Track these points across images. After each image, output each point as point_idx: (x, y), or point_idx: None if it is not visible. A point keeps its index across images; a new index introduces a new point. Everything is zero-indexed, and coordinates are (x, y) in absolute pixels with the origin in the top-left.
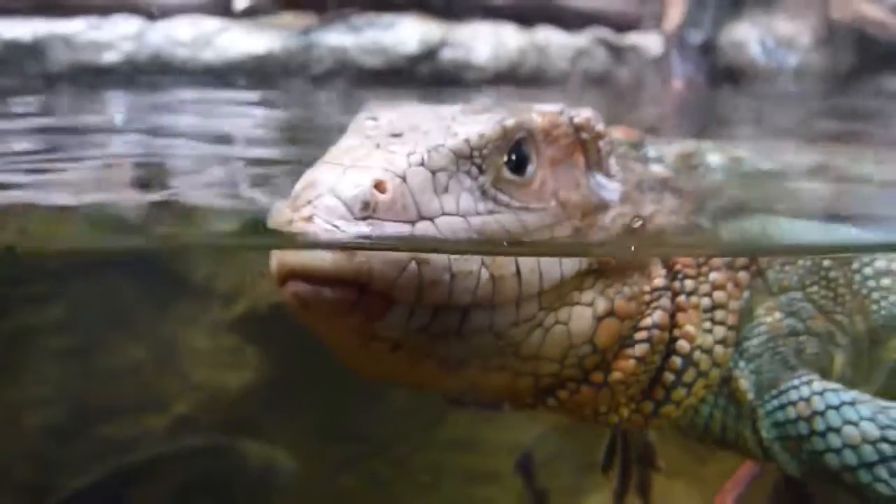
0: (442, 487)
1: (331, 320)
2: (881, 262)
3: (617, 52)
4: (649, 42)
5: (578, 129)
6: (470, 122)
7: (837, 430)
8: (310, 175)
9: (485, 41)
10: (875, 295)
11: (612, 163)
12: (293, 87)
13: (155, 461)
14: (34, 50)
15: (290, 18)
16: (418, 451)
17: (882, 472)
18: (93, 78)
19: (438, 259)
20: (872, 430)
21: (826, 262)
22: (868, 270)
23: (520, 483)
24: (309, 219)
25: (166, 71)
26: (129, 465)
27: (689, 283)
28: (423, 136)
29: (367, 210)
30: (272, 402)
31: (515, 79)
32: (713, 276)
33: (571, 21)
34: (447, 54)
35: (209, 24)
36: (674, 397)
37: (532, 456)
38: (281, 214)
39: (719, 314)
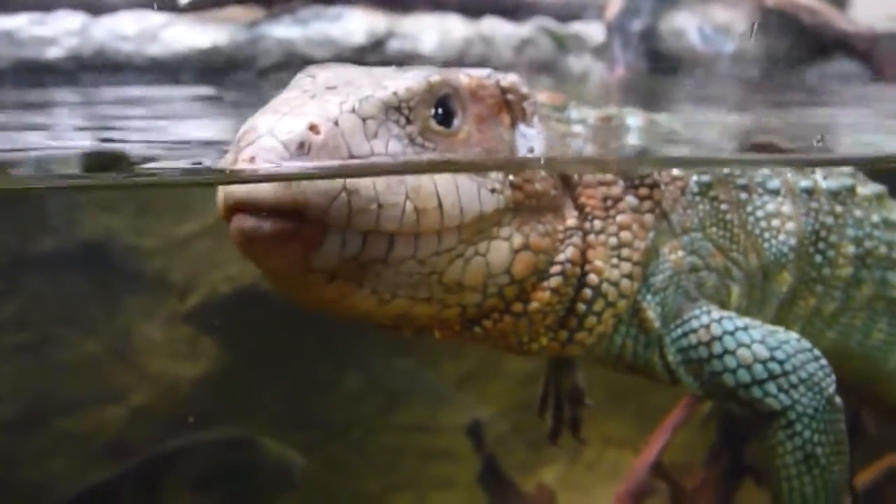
0: (400, 468)
1: (272, 252)
2: (771, 205)
3: (560, 40)
4: (592, 31)
5: (504, 90)
6: (399, 78)
7: (733, 353)
8: (251, 121)
9: (431, 32)
10: (766, 234)
11: (536, 121)
12: (241, 80)
13: (178, 453)
14: None
15: (236, 12)
16: (375, 435)
17: (771, 387)
18: (36, 74)
19: (367, 190)
20: (763, 352)
21: (723, 206)
22: (760, 213)
23: (477, 461)
24: (250, 160)
25: (111, 66)
26: (153, 456)
27: (597, 224)
28: (355, 89)
29: (302, 150)
30: (229, 391)
31: (462, 68)
32: (619, 218)
33: (516, 12)
34: (394, 45)
35: (154, 19)
36: (586, 325)
37: (482, 423)
38: (224, 158)
39: (625, 252)
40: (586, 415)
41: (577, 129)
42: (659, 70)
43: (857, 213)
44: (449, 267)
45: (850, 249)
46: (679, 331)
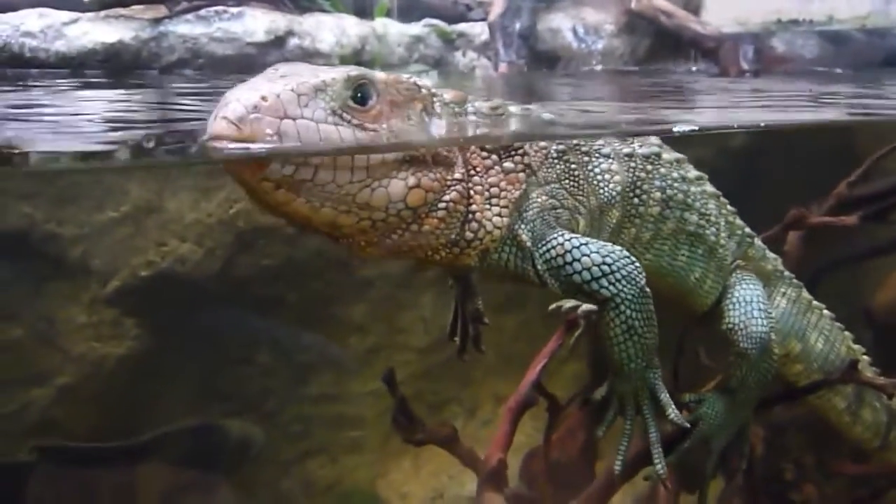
0: (313, 435)
1: (237, 168)
2: (604, 164)
3: (448, 39)
4: (476, 30)
5: (417, 86)
6: (330, 72)
7: (578, 260)
8: (227, 94)
9: (328, 30)
10: (601, 185)
11: (439, 111)
12: (145, 76)
13: (157, 439)
14: None
15: (140, 10)
16: (287, 406)
17: (604, 282)
18: None
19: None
20: (598, 258)
21: (573, 166)
22: (597, 170)
23: (384, 425)
24: (224, 118)
25: (15, 62)
26: (134, 443)
27: (476, 179)
28: (298, 77)
29: (256, 111)
30: (151, 369)
31: (359, 64)
32: (492, 178)
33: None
34: (294, 42)
35: (59, 16)
36: (472, 244)
37: (394, 370)
38: (210, 119)
39: (495, 200)
40: (484, 331)
41: (472, 118)
42: (537, 65)
43: (662, 170)
44: (360, 192)
45: (657, 195)
46: (544, 248)
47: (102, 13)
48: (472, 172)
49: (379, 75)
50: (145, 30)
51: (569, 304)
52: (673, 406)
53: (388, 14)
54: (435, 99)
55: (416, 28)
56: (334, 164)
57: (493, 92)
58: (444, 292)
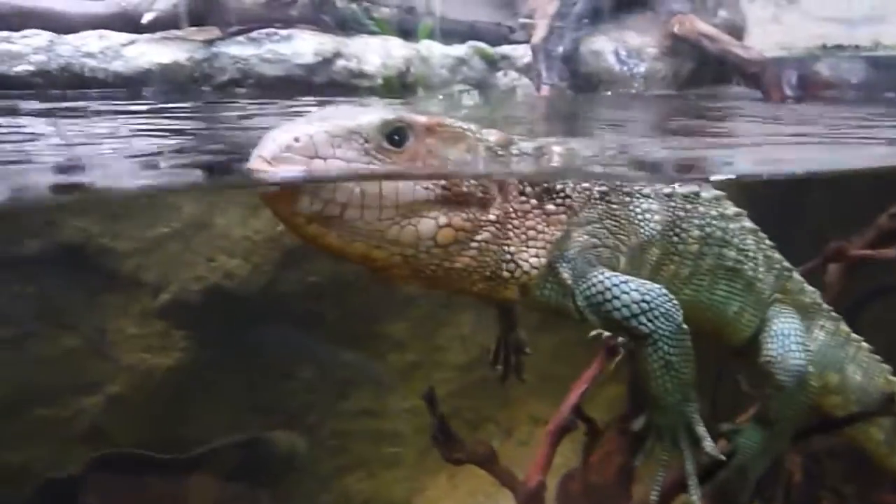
0: (351, 450)
1: (272, 201)
2: (645, 204)
3: (491, 61)
4: (519, 53)
5: (461, 129)
6: (368, 115)
7: (618, 297)
8: (267, 134)
9: (374, 52)
10: (642, 222)
11: (483, 152)
12: (198, 95)
13: (208, 453)
14: None
15: (194, 32)
16: (327, 421)
17: (643, 318)
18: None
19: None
20: (637, 296)
21: (614, 206)
22: (637, 209)
23: (421, 442)
24: (260, 156)
25: (75, 82)
26: (188, 456)
27: (510, 225)
28: (335, 120)
29: (288, 150)
30: (197, 381)
31: (402, 86)
32: (529, 221)
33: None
34: (341, 64)
35: (118, 37)
36: (509, 282)
37: (434, 390)
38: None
39: (532, 242)
40: (525, 361)
41: (516, 160)
42: (580, 88)
43: (701, 209)
44: (389, 229)
45: (696, 233)
46: (584, 285)
47: (159, 34)
48: (510, 215)
49: (418, 118)
50: (199, 51)
51: (608, 332)
52: (709, 439)
53: (430, 35)
54: (479, 141)
55: (460, 50)
56: (362, 203)
57: (534, 113)
58: (483, 311)
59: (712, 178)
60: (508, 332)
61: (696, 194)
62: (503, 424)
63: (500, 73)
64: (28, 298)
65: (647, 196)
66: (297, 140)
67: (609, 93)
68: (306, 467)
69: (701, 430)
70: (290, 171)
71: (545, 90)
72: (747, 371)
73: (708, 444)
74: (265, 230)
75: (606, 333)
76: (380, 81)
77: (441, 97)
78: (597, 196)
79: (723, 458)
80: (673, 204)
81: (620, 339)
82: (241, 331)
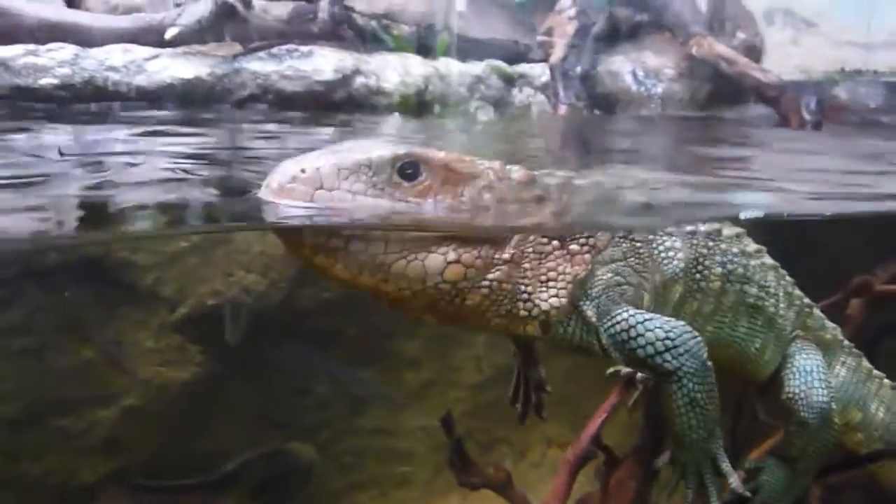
0: (364, 467)
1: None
2: (668, 242)
3: (509, 79)
4: (536, 72)
5: (479, 165)
6: (381, 149)
7: (643, 335)
8: (278, 166)
9: (393, 70)
10: (665, 261)
11: (503, 190)
12: (218, 111)
13: (240, 467)
14: None
15: (215, 47)
16: (341, 438)
17: (667, 356)
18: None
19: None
20: (661, 333)
21: (638, 244)
22: (661, 248)
23: (433, 461)
24: (267, 185)
25: (98, 95)
26: (222, 473)
27: (527, 265)
28: (349, 153)
29: (293, 182)
30: (212, 395)
31: (420, 103)
32: (549, 262)
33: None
34: (360, 81)
35: (142, 52)
36: (526, 321)
37: (451, 413)
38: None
39: (552, 283)
40: (545, 399)
41: (537, 198)
42: (596, 107)
43: (723, 246)
44: (395, 263)
45: (718, 270)
46: (608, 323)
47: (181, 49)
48: (527, 255)
49: (433, 154)
50: (220, 66)
51: (627, 369)
52: (735, 476)
53: (447, 51)
54: (500, 178)
55: (478, 68)
56: (367, 235)
57: (550, 133)
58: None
59: (741, 216)
60: (528, 368)
61: (718, 232)
62: (516, 446)
63: (515, 90)
64: (48, 310)
65: (669, 234)
66: (303, 171)
67: (626, 113)
68: (319, 483)
69: (726, 466)
70: (294, 202)
71: (562, 109)
72: (765, 403)
73: (734, 481)
74: (282, 246)
75: (626, 370)
76: (398, 99)
77: (456, 115)
78: (621, 235)
79: (748, 495)
80: (695, 242)
81: (640, 375)
82: (256, 346)
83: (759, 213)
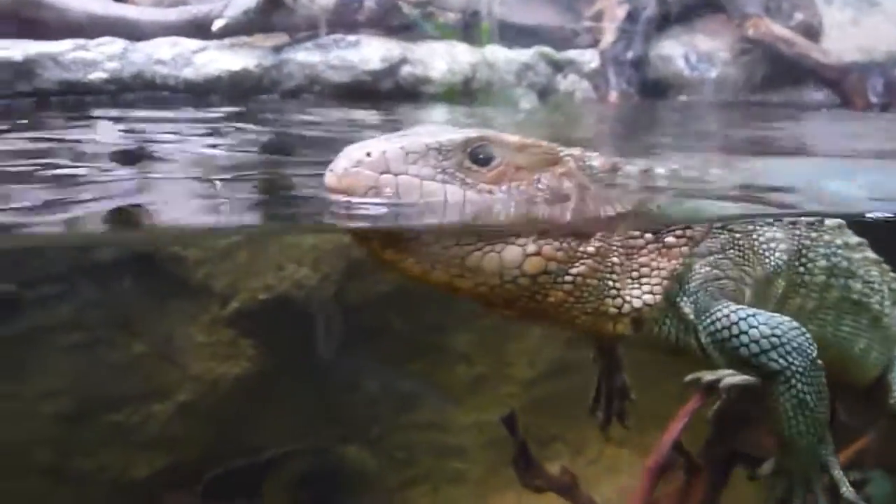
0: (416, 463)
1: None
2: (769, 233)
3: (557, 66)
4: (586, 58)
5: (557, 152)
6: (452, 133)
7: (746, 332)
8: (343, 151)
9: (440, 58)
10: (767, 253)
11: (583, 178)
12: (266, 101)
13: (281, 456)
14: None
15: (261, 38)
16: (393, 433)
17: (773, 354)
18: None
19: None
20: (766, 330)
21: (737, 235)
22: (762, 239)
23: (487, 457)
24: (330, 170)
25: (147, 88)
26: (261, 459)
27: (615, 259)
28: (416, 137)
29: (357, 165)
30: (264, 390)
31: (466, 92)
32: (641, 258)
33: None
34: (407, 70)
35: (189, 44)
36: (616, 319)
37: (515, 413)
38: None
39: (646, 279)
40: (629, 407)
41: (621, 186)
42: (649, 94)
43: (826, 237)
44: (469, 255)
45: (822, 263)
46: (708, 320)
47: (228, 41)
48: (614, 248)
49: (508, 138)
50: (267, 57)
51: (709, 376)
52: (847, 483)
53: (490, 37)
54: (580, 166)
55: (526, 55)
56: (437, 229)
57: (602, 123)
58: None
59: (868, 216)
60: (611, 374)
61: (821, 222)
62: (572, 443)
63: (559, 77)
64: (100, 305)
65: (770, 224)
66: (368, 155)
67: (679, 99)
68: (371, 480)
69: (838, 473)
70: (357, 186)
71: (613, 96)
72: (847, 404)
73: (846, 490)
74: (334, 239)
75: (707, 378)
76: (443, 88)
77: (499, 102)
78: (718, 225)
79: (862, 503)
80: (798, 232)
81: (722, 384)
82: (307, 341)
83: (888, 215)
